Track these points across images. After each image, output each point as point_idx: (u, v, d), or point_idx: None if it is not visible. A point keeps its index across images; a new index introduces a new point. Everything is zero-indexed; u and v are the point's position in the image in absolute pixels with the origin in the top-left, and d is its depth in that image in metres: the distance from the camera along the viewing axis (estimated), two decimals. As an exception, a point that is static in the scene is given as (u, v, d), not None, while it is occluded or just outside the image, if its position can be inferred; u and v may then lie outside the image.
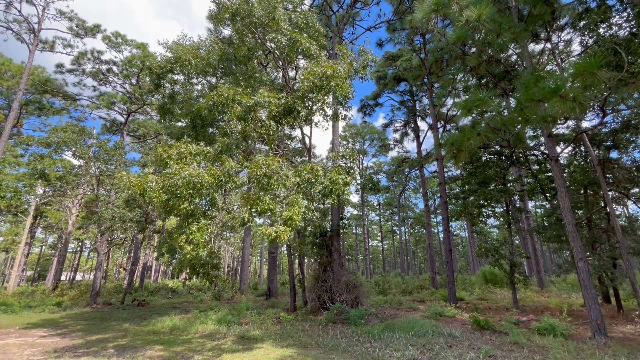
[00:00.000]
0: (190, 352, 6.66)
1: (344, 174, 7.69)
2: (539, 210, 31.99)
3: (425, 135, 25.37)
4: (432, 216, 38.74)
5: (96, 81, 21.25)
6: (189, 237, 6.72)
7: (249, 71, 11.34)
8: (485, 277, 17.58)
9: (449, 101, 16.97)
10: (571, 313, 9.79)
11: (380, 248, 56.77)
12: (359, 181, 25.01)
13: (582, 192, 11.60)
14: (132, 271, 18.02)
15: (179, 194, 6.70)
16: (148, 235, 27.62)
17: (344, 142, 31.43)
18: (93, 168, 17.81)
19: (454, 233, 49.69)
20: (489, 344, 6.52)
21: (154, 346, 7.23)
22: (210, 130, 11.44)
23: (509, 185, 12.36)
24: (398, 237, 48.36)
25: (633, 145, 10.88)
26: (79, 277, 52.27)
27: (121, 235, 19.60)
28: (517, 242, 22.04)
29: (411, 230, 48.15)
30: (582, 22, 9.91)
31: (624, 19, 9.10)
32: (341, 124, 26.84)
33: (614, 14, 9.20)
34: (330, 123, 13.16)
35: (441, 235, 40.58)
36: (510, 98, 10.61)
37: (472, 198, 12.81)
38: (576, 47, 13.57)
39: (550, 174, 12.51)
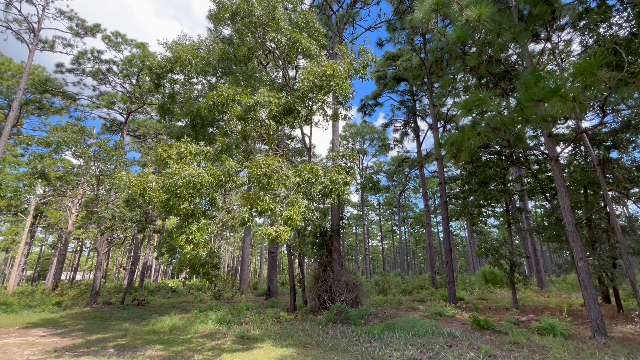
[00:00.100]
0: (190, 352, 6.66)
1: (344, 173, 7.69)
2: (539, 210, 32.00)
3: (425, 135, 25.39)
4: (432, 216, 38.76)
5: (96, 81, 21.24)
6: (189, 237, 6.72)
7: (249, 71, 11.33)
8: (485, 277, 17.59)
9: (449, 101, 16.98)
10: (571, 313, 9.79)
11: (380, 248, 56.80)
12: (359, 181, 24.99)
13: (582, 192, 11.60)
14: (132, 271, 18.02)
15: (179, 193, 6.70)
16: (148, 235, 27.63)
17: (344, 142, 31.44)
18: (93, 168, 17.81)
19: (454, 233, 49.72)
20: (489, 344, 6.52)
21: (154, 346, 7.23)
22: (210, 129, 11.44)
23: (509, 185, 12.36)
24: (398, 236, 48.38)
25: (633, 145, 10.88)
26: (78, 276, 52.31)
27: (121, 235, 19.60)
28: (517, 242, 22.04)
29: (411, 230, 48.17)
30: (583, 22, 9.90)
31: (624, 18, 9.10)
32: (341, 123, 26.84)
33: (614, 14, 9.19)
34: (330, 123, 13.15)
35: (441, 235, 40.61)
36: (511, 98, 10.61)
37: (472, 198, 12.82)
38: (576, 47, 13.58)
39: (550, 173, 12.51)
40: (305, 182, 7.23)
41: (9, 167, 23.97)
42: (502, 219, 13.02)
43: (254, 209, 6.43)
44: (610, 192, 11.00)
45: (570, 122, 11.91)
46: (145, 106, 22.53)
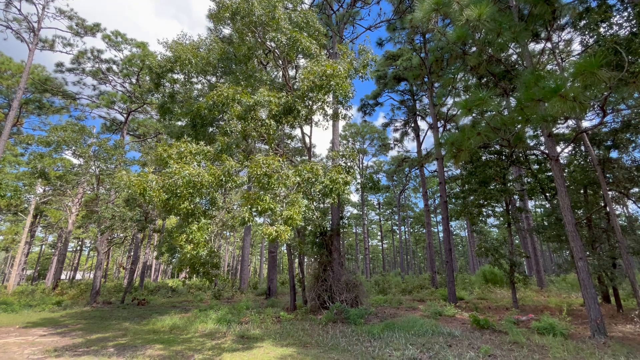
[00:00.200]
0: (191, 351, 6.67)
1: (344, 173, 7.70)
2: (538, 209, 32.01)
3: (425, 134, 25.41)
4: (432, 216, 38.76)
5: (96, 80, 21.24)
6: (189, 237, 6.72)
7: (249, 70, 11.32)
8: (485, 277, 17.59)
9: (449, 100, 16.98)
10: (571, 312, 9.80)
11: (380, 247, 56.81)
12: (359, 180, 25.00)
13: (582, 191, 11.60)
14: (132, 270, 18.02)
15: (179, 193, 6.70)
16: (148, 235, 27.64)
17: (344, 142, 31.43)
18: (93, 167, 17.81)
19: (454, 232, 49.73)
20: (489, 344, 6.53)
21: (154, 345, 7.24)
22: (210, 129, 11.44)
23: (508, 184, 12.36)
24: (398, 236, 48.40)
25: (633, 145, 10.88)
26: (79, 276, 52.31)
27: (121, 235, 19.61)
28: (516, 241, 22.05)
29: (411, 230, 48.19)
30: (583, 22, 9.90)
31: (625, 18, 9.09)
32: (341, 123, 26.84)
33: (615, 14, 9.19)
34: (331, 122, 13.15)
35: (441, 234, 40.62)
36: (511, 97, 10.61)
37: (472, 197, 12.82)
38: (576, 47, 13.56)
39: (550, 173, 12.51)
40: (305, 182, 7.23)
41: (9, 167, 23.97)
42: (502, 218, 13.02)
43: (254, 209, 6.43)
44: (610, 192, 11.00)
45: (571, 122, 11.91)
46: (145, 106, 22.53)
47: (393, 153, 36.84)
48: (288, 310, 11.65)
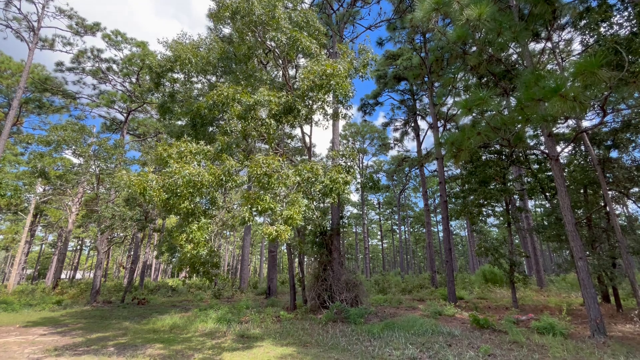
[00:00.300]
0: (191, 351, 6.67)
1: (344, 173, 7.70)
2: (538, 209, 32.02)
3: (426, 134, 25.42)
4: (432, 215, 38.76)
5: (96, 79, 21.22)
6: (189, 236, 6.73)
7: (249, 70, 11.32)
8: (485, 276, 17.60)
9: (449, 100, 16.97)
10: (570, 312, 9.81)
11: (380, 247, 56.81)
12: (359, 180, 25.02)
13: (582, 191, 11.61)
14: (132, 270, 18.03)
15: (179, 192, 6.70)
16: (148, 234, 27.64)
17: (344, 141, 31.42)
18: (93, 166, 17.80)
19: (454, 232, 49.74)
20: (489, 343, 6.53)
21: (154, 344, 7.25)
22: (210, 129, 11.44)
23: (508, 184, 12.37)
24: (398, 236, 48.40)
25: (633, 144, 10.88)
26: (79, 275, 52.30)
27: (121, 234, 19.63)
28: (516, 241, 22.06)
29: (411, 229, 48.21)
30: (583, 22, 9.90)
31: (625, 18, 9.09)
32: (341, 122, 26.80)
33: (615, 13, 9.19)
34: (331, 122, 13.15)
35: (441, 234, 40.63)
36: (511, 97, 10.60)
37: (472, 197, 12.82)
38: (577, 47, 13.55)
39: (550, 173, 12.52)
40: (305, 182, 7.23)
41: (9, 166, 23.96)
42: (502, 218, 13.03)
43: (254, 208, 6.44)
44: (610, 192, 11.00)
45: (571, 122, 11.91)
46: (145, 105, 22.52)
47: (393, 153, 36.87)
48: (288, 310, 11.66)
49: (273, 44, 10.02)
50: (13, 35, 17.13)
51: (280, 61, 10.79)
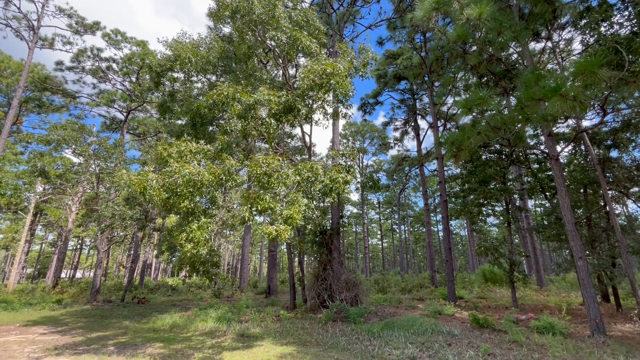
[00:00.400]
0: (191, 350, 6.68)
1: (344, 172, 7.70)
2: (538, 209, 32.02)
3: (426, 133, 25.40)
4: (432, 215, 38.77)
5: (96, 79, 21.21)
6: (189, 235, 6.73)
7: (249, 69, 11.31)
8: (485, 276, 17.61)
9: (450, 100, 16.95)
10: (570, 312, 9.81)
11: (380, 246, 56.84)
12: (359, 179, 25.03)
13: (582, 191, 11.61)
14: (132, 269, 18.04)
15: (179, 192, 6.70)
16: (148, 233, 27.64)
17: (344, 141, 31.41)
18: (93, 166, 17.80)
19: (454, 232, 49.77)
20: (488, 343, 6.54)
21: (154, 344, 7.25)
22: (210, 128, 11.44)
23: (508, 184, 12.37)
24: (398, 235, 48.41)
25: (633, 144, 10.88)
26: (79, 274, 52.30)
27: (121, 233, 19.64)
28: (516, 240, 22.07)
29: (411, 229, 48.22)
30: (583, 21, 9.89)
31: (625, 17, 9.08)
32: (341, 122, 26.79)
33: (615, 13, 9.18)
34: (331, 121, 13.14)
35: (441, 233, 40.65)
36: (511, 97, 10.60)
37: (472, 197, 12.82)
38: (577, 46, 13.55)
39: (550, 172, 12.52)
40: (305, 181, 7.24)
41: (9, 165, 23.97)
42: (501, 217, 13.03)
43: (254, 208, 6.44)
44: (610, 192, 11.01)
45: (571, 121, 11.91)
46: (145, 104, 22.51)
47: (393, 152, 36.87)
48: (288, 309, 11.67)
49: (273, 43, 10.01)
50: (13, 34, 17.12)
51: (280, 60, 10.78)
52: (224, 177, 7.04)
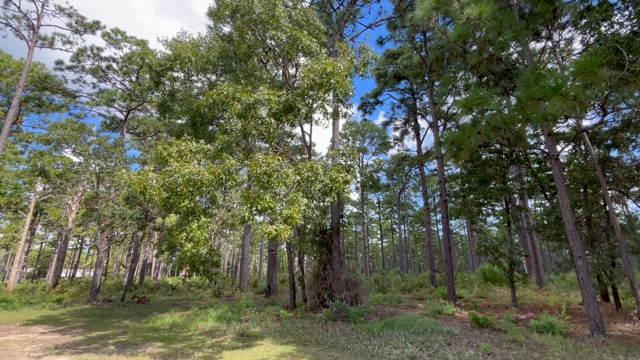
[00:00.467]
0: (191, 349, 6.69)
1: (344, 172, 7.71)
2: (538, 208, 32.03)
3: (426, 133, 25.39)
4: (432, 214, 38.78)
5: (96, 78, 21.20)
6: (189, 235, 6.74)
7: (249, 69, 11.30)
8: (485, 275, 17.62)
9: (450, 99, 16.94)
10: (570, 311, 9.82)
11: (380, 246, 56.86)
12: (358, 179, 25.03)
13: (581, 190, 11.61)
14: (132, 268, 18.05)
15: (179, 191, 6.71)
16: (148, 233, 27.65)
17: (344, 140, 31.41)
18: (93, 165, 17.80)
19: (454, 231, 49.78)
20: (488, 342, 6.55)
21: (154, 343, 7.26)
22: (210, 127, 11.43)
23: (508, 183, 12.37)
24: (398, 235, 48.43)
25: (633, 144, 10.88)
26: (79, 274, 52.33)
27: (121, 233, 19.64)
28: (516, 240, 22.08)
29: (411, 229, 48.22)
30: (584, 21, 9.88)
31: (626, 17, 9.07)
32: (341, 121, 26.80)
33: (616, 12, 9.17)
34: (331, 121, 13.14)
35: (441, 233, 40.66)
36: (511, 96, 10.60)
37: (472, 196, 12.82)
38: (577, 46, 13.53)
39: (550, 172, 12.52)
40: (305, 181, 7.24)
41: (9, 165, 23.96)
42: (501, 217, 13.04)
43: (254, 208, 6.44)
44: (610, 191, 11.01)
45: (571, 121, 11.90)
46: (145, 104, 22.50)
47: (393, 152, 36.94)
48: (288, 309, 11.68)
49: (273, 42, 10.01)
50: (13, 34, 17.11)
51: (280, 60, 10.78)
52: (224, 177, 7.04)
